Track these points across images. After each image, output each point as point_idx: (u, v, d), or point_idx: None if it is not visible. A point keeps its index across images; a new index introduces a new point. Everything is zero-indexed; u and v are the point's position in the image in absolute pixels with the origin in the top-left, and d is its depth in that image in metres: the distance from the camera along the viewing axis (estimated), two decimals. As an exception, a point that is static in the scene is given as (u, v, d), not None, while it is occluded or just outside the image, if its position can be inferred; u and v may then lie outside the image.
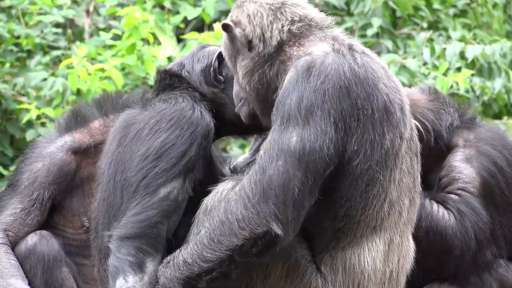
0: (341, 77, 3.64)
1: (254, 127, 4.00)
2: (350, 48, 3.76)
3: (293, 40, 3.83)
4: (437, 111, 4.73)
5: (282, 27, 3.82)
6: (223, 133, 4.14)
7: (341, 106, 3.63)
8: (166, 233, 3.82)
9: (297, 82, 3.64)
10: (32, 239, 4.63)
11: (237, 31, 3.88)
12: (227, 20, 3.91)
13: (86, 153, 4.80)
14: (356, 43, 3.84)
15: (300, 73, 3.65)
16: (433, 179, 4.69)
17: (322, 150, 3.59)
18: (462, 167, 4.60)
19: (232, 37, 3.90)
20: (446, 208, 4.52)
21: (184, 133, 3.83)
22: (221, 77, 4.07)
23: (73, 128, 4.83)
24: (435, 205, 4.50)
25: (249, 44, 3.86)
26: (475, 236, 4.50)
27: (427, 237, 4.46)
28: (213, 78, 4.07)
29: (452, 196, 4.54)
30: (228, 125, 4.07)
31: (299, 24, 3.83)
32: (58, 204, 4.79)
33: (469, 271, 4.56)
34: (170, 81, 4.10)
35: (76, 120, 4.84)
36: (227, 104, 4.07)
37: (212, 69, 4.07)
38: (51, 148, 4.76)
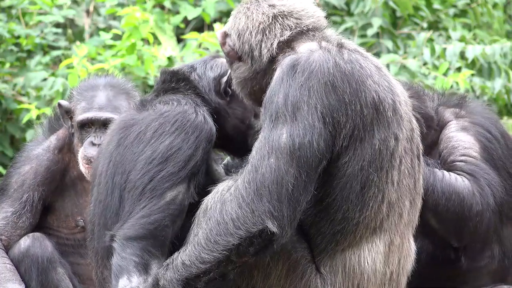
0: (325, 72, 3.66)
1: (247, 148, 3.98)
2: (339, 45, 3.78)
3: (285, 48, 3.84)
4: (417, 97, 4.77)
5: (271, 44, 3.85)
6: (218, 144, 4.13)
7: (328, 101, 3.65)
8: (171, 237, 3.83)
9: (282, 80, 3.67)
10: (25, 242, 4.65)
11: (228, 44, 3.92)
12: (220, 32, 3.95)
13: (73, 151, 4.82)
14: (349, 42, 3.87)
15: (285, 71, 3.68)
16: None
17: (312, 144, 3.61)
18: (459, 135, 4.65)
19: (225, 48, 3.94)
20: (456, 174, 4.53)
21: (189, 137, 3.85)
22: (229, 89, 4.09)
23: (56, 129, 4.88)
24: (445, 172, 4.51)
25: (240, 58, 3.91)
26: (492, 192, 4.51)
27: (444, 201, 4.45)
28: (222, 89, 4.09)
29: (457, 163, 4.56)
30: (225, 138, 4.07)
31: (289, 32, 3.85)
32: (50, 205, 4.82)
33: (488, 234, 4.56)
34: (175, 84, 4.11)
35: (58, 120, 4.88)
36: (230, 118, 4.10)
37: (224, 79, 4.09)
38: (38, 150, 4.81)
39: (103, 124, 4.71)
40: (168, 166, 3.82)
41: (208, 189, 3.84)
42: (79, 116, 4.78)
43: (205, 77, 4.12)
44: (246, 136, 4.08)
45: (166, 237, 3.81)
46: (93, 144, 4.70)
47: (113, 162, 3.94)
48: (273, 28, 3.86)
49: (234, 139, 4.09)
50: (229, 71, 4.04)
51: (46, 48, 7.50)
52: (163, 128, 3.88)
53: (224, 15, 8.07)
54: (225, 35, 3.94)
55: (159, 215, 3.79)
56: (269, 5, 3.89)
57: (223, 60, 4.13)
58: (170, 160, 3.83)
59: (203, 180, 3.89)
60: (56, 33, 7.64)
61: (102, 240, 3.91)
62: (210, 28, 7.73)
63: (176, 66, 4.35)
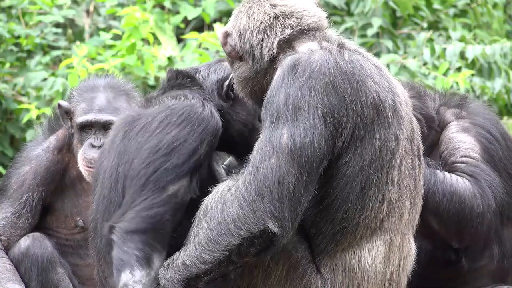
0: (326, 73, 3.66)
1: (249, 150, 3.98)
2: (340, 46, 3.79)
3: (286, 48, 3.85)
4: (419, 97, 4.77)
5: (272, 44, 3.85)
6: (220, 145, 4.12)
7: (329, 101, 3.65)
8: (170, 230, 3.83)
9: (283, 80, 3.67)
10: (25, 242, 4.65)
11: (229, 43, 3.92)
12: (221, 31, 3.95)
13: (72, 151, 4.82)
14: (349, 42, 3.87)
15: (286, 71, 3.68)
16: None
17: (313, 144, 3.61)
18: (460, 136, 4.65)
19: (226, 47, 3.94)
20: (457, 175, 4.53)
21: (195, 129, 3.84)
22: (231, 93, 4.09)
23: (56, 129, 4.88)
24: (446, 173, 4.52)
25: (241, 58, 3.90)
26: (493, 194, 4.51)
27: (445, 202, 4.45)
28: (224, 92, 4.09)
29: (458, 164, 4.57)
30: (228, 141, 4.07)
31: (289, 31, 3.85)
32: (49, 206, 4.82)
33: (488, 235, 4.57)
34: (182, 80, 4.11)
35: (58, 120, 4.88)
36: (232, 121, 4.10)
37: (226, 83, 4.08)
38: (37, 150, 4.81)
39: (103, 126, 4.71)
40: (172, 158, 3.82)
41: (209, 189, 3.83)
42: (79, 118, 4.78)
43: (208, 79, 4.12)
44: (248, 139, 4.08)
45: (167, 231, 3.80)
46: (93, 146, 4.70)
47: (118, 154, 3.93)
48: (274, 28, 3.86)
49: (237, 142, 4.09)
50: (231, 75, 4.04)
51: (46, 48, 7.50)
52: (169, 119, 3.87)
53: (224, 15, 8.08)
54: (227, 34, 3.94)
55: (161, 208, 3.79)
56: (271, 5, 3.90)
57: (227, 64, 4.13)
58: (175, 151, 3.82)
59: (205, 176, 3.89)
60: (56, 33, 7.64)
61: (104, 237, 3.90)
62: (210, 28, 7.73)
63: (181, 67, 4.36)
